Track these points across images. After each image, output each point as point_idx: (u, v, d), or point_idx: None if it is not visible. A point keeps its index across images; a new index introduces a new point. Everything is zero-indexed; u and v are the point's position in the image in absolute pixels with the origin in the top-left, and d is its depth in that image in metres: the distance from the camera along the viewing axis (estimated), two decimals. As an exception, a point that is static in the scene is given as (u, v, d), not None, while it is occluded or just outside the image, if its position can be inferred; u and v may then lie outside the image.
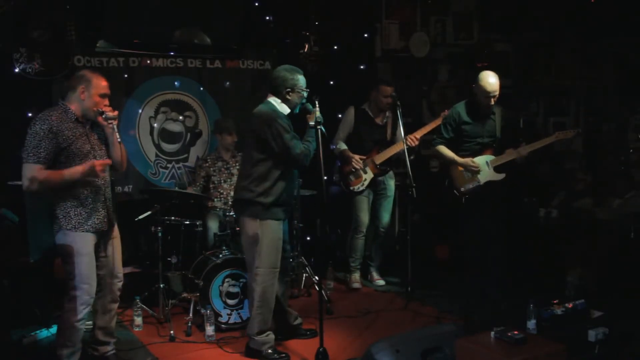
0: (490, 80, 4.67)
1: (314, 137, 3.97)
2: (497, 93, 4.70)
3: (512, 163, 4.85)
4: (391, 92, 5.40)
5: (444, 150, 4.96)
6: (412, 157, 5.10)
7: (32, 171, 3.45)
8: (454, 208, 5.06)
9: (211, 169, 5.47)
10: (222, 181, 5.46)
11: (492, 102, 4.73)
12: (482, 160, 4.88)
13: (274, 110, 3.97)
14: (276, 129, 3.87)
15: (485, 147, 4.90)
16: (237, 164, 5.45)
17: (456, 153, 4.94)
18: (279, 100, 4.02)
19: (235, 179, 5.37)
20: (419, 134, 5.32)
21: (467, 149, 4.92)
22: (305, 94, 4.05)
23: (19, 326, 4.35)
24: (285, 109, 4.02)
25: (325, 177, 4.15)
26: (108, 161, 3.64)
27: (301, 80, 4.04)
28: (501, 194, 4.92)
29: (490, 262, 4.87)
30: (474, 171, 4.86)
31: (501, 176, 4.86)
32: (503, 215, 4.94)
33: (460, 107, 4.92)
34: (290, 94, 4.01)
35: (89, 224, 3.62)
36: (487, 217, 4.86)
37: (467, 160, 4.87)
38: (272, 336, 4.11)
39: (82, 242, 3.61)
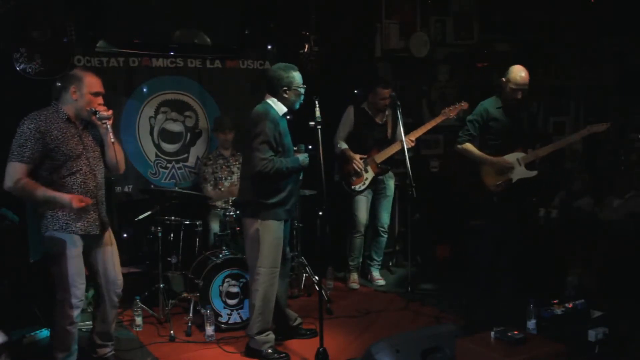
0: (521, 73, 4.69)
1: (294, 165, 3.99)
2: (526, 87, 4.69)
3: (543, 159, 4.82)
4: (388, 94, 5.38)
5: (471, 148, 4.90)
6: (410, 155, 5.09)
7: (14, 170, 3.39)
8: (481, 206, 5.01)
9: (213, 166, 5.47)
10: (223, 179, 5.47)
11: (520, 96, 4.70)
12: (512, 158, 4.81)
13: (268, 111, 3.96)
14: (261, 129, 3.87)
15: (516, 144, 4.83)
16: (237, 162, 5.46)
17: (480, 151, 4.88)
18: (276, 100, 4.03)
19: (235, 176, 5.41)
20: (413, 135, 5.32)
21: (493, 147, 4.85)
22: (302, 91, 4.05)
23: (19, 326, 4.34)
24: (282, 109, 4.03)
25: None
26: (89, 201, 3.47)
27: (297, 77, 4.03)
28: (532, 192, 4.86)
29: (506, 262, 4.85)
30: (507, 169, 4.79)
31: (533, 173, 4.80)
32: (527, 214, 4.94)
33: (488, 104, 4.87)
34: (287, 92, 4.01)
35: (77, 225, 3.52)
36: (516, 217, 4.81)
37: (500, 159, 4.80)
38: (272, 336, 4.12)
39: (70, 244, 3.51)
